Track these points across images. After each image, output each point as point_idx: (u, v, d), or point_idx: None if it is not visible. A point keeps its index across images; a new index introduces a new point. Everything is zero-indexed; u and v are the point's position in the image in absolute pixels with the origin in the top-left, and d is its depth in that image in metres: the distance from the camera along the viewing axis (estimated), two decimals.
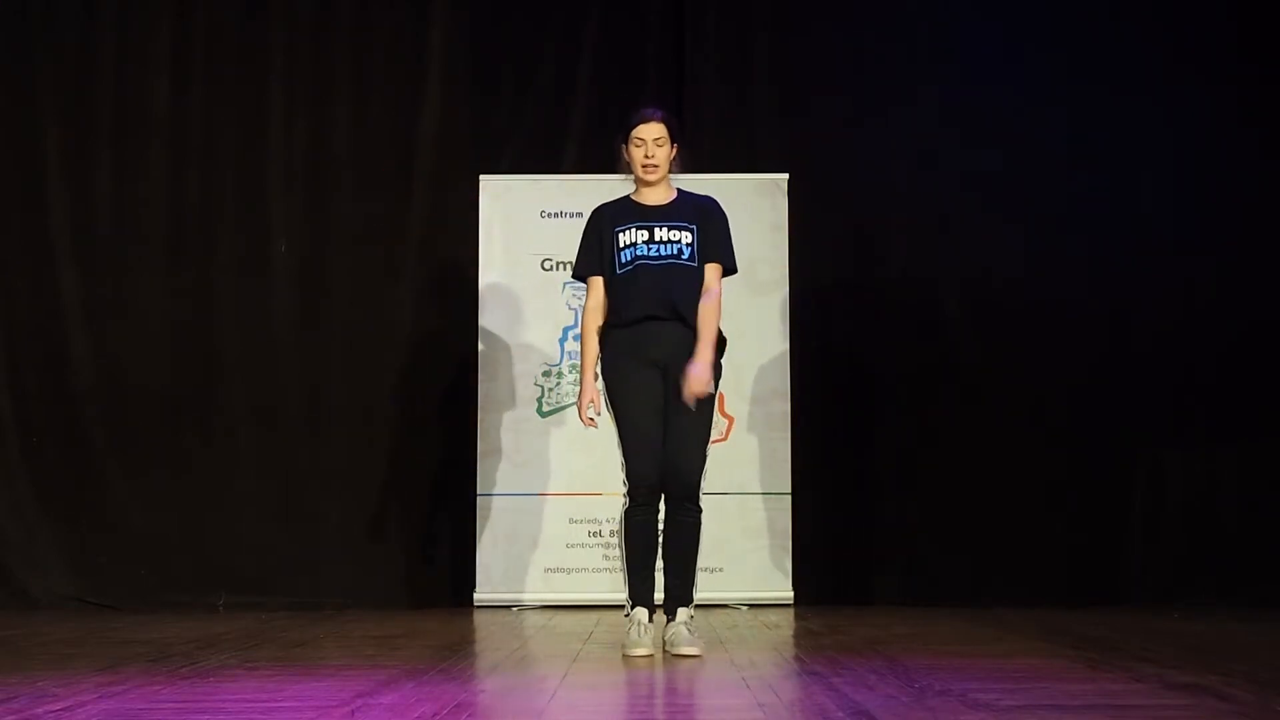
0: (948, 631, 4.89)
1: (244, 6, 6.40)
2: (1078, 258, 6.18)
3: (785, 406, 5.94)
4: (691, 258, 4.23)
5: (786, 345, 5.95)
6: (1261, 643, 4.57)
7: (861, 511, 6.14)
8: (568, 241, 5.96)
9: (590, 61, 6.33)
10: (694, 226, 4.26)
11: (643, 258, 4.21)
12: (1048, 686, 3.39)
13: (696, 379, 4.13)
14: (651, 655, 4.04)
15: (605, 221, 4.32)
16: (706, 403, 4.20)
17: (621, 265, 4.24)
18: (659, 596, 4.25)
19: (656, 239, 4.23)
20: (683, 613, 4.20)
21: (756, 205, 5.89)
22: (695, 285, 4.23)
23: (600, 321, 4.29)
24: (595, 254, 4.31)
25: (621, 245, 4.25)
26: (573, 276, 4.47)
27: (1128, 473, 6.10)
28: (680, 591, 4.22)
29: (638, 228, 4.25)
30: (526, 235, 6.01)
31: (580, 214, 5.86)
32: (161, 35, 6.36)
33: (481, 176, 6.05)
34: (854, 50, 6.27)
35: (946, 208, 6.23)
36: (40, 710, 3.08)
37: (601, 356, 4.29)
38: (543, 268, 6.01)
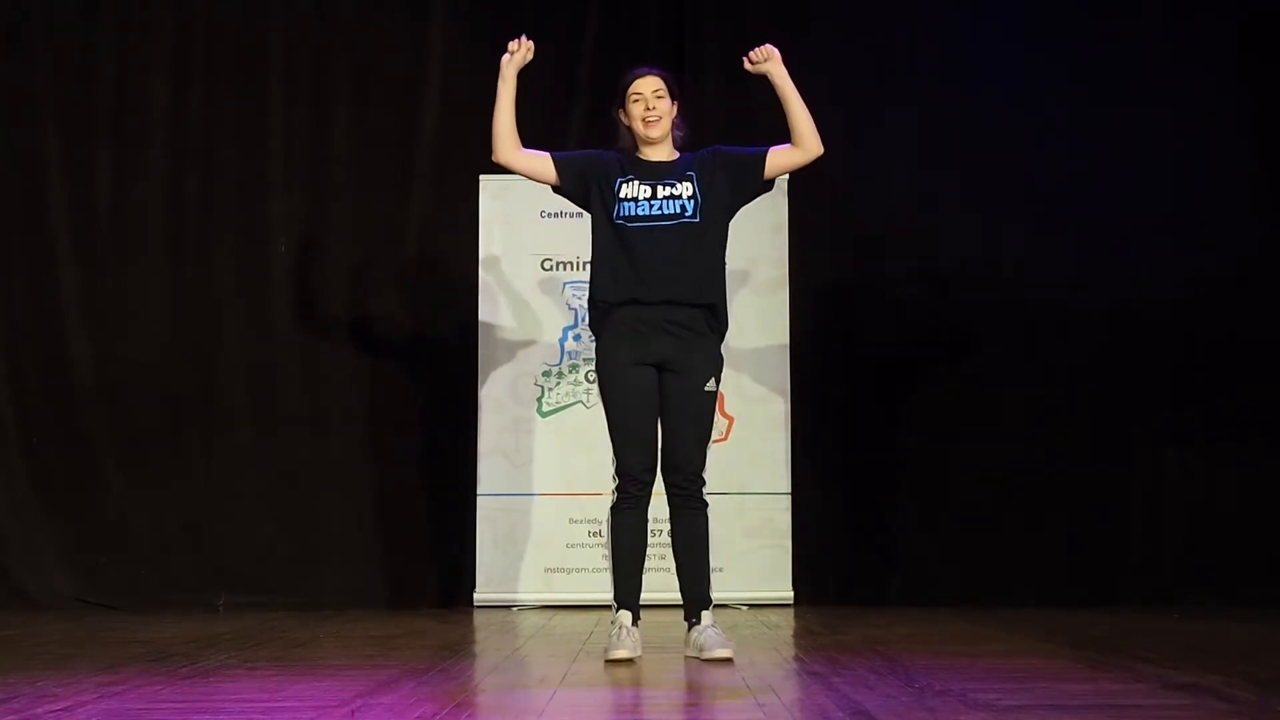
0: (948, 631, 4.89)
1: (244, 6, 6.40)
2: (1078, 257, 6.19)
3: (785, 406, 5.94)
4: (695, 214, 4.06)
5: (786, 345, 5.95)
6: (1261, 643, 4.56)
7: (861, 511, 6.14)
8: (568, 241, 5.99)
9: (590, 61, 6.33)
10: (692, 175, 4.11)
11: (644, 218, 4.05)
12: (1048, 686, 3.39)
13: (771, 54, 4.07)
14: (633, 659, 3.95)
15: (611, 162, 4.15)
16: (706, 399, 4.10)
17: (620, 217, 4.07)
18: (658, 598, 4.18)
19: (659, 196, 4.07)
20: (706, 616, 4.08)
21: (756, 205, 5.85)
22: (703, 248, 4.07)
23: (515, 138, 4.15)
24: (577, 160, 4.18)
25: (622, 196, 4.09)
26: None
27: (1128, 473, 6.10)
28: (697, 594, 4.11)
29: (641, 182, 4.09)
30: (526, 235, 6.01)
31: (580, 214, 5.84)
32: (161, 35, 6.36)
33: (481, 176, 6.05)
34: (854, 49, 6.27)
35: (946, 207, 6.23)
36: (40, 710, 3.08)
37: (597, 345, 4.15)
38: (543, 268, 6.01)
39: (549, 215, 5.99)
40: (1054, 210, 6.19)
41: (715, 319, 4.13)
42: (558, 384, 5.97)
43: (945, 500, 6.11)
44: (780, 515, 5.89)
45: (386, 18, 6.42)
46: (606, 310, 4.11)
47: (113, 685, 3.48)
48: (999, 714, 2.94)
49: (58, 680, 3.57)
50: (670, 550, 4.24)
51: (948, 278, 6.19)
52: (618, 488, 4.13)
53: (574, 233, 5.99)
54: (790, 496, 5.92)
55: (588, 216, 5.77)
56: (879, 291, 6.25)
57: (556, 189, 4.25)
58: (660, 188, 4.10)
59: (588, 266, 5.89)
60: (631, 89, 4.17)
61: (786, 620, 5.38)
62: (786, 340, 5.95)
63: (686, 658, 4.04)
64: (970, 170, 6.22)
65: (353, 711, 3.06)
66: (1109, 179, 6.20)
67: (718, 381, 4.14)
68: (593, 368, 5.87)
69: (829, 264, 6.22)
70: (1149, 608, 5.69)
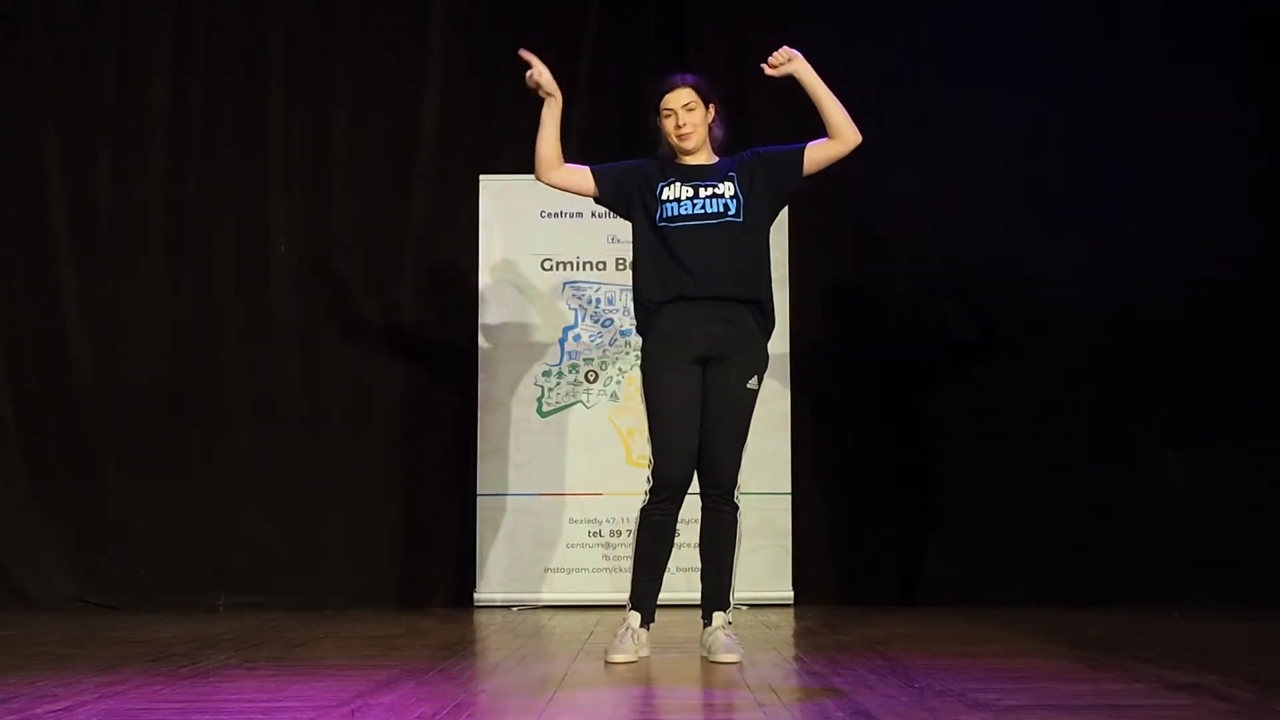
0: (948, 631, 4.89)
1: (244, 6, 6.40)
2: (1078, 257, 6.19)
3: (785, 406, 5.94)
4: (738, 212, 4.05)
5: (787, 346, 5.94)
6: (1261, 643, 4.57)
7: (861, 511, 6.13)
8: (568, 241, 6.00)
9: (590, 61, 6.32)
10: (733, 176, 4.10)
11: (687, 217, 4.04)
12: (1048, 686, 3.40)
13: (793, 55, 4.08)
14: (634, 662, 3.94)
15: (651, 170, 4.15)
16: (747, 396, 4.07)
17: (663, 218, 4.06)
18: (671, 598, 4.15)
19: (701, 195, 4.07)
20: (719, 617, 4.08)
21: None
22: (747, 246, 4.06)
23: (557, 159, 4.13)
24: (616, 170, 4.17)
25: (664, 198, 4.08)
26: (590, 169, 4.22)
27: (1128, 473, 6.10)
28: (716, 595, 4.11)
29: (683, 184, 4.09)
30: (526, 235, 6.01)
31: (580, 214, 5.90)
32: (161, 35, 6.35)
33: (481, 176, 6.05)
34: (853, 50, 6.26)
35: (946, 208, 6.23)
36: (40, 710, 3.09)
37: (643, 345, 4.13)
38: (543, 268, 6.01)
39: (549, 215, 6.00)
40: (1054, 210, 6.19)
41: (764, 316, 4.13)
42: (558, 384, 5.97)
43: (946, 500, 6.11)
44: (780, 515, 5.89)
45: (386, 18, 6.42)
46: (654, 309, 4.09)
47: (113, 685, 3.48)
48: (999, 714, 2.95)
49: (58, 680, 3.57)
50: (676, 550, 4.23)
51: (947, 278, 6.19)
52: (651, 489, 4.07)
53: (574, 233, 6.01)
54: (790, 496, 5.92)
55: (587, 217, 5.78)
56: (879, 291, 6.25)
57: (598, 200, 4.24)
58: (702, 188, 4.10)
59: (588, 266, 5.99)
60: (663, 103, 4.15)
61: (786, 620, 5.38)
62: (786, 340, 5.95)
63: (701, 658, 4.04)
64: (970, 170, 6.22)
65: (353, 711, 3.06)
66: (1109, 179, 6.20)
67: (760, 381, 4.11)
68: (593, 367, 5.96)
69: (829, 264, 6.22)
70: (1149, 608, 5.69)
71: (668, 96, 4.14)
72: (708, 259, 4.03)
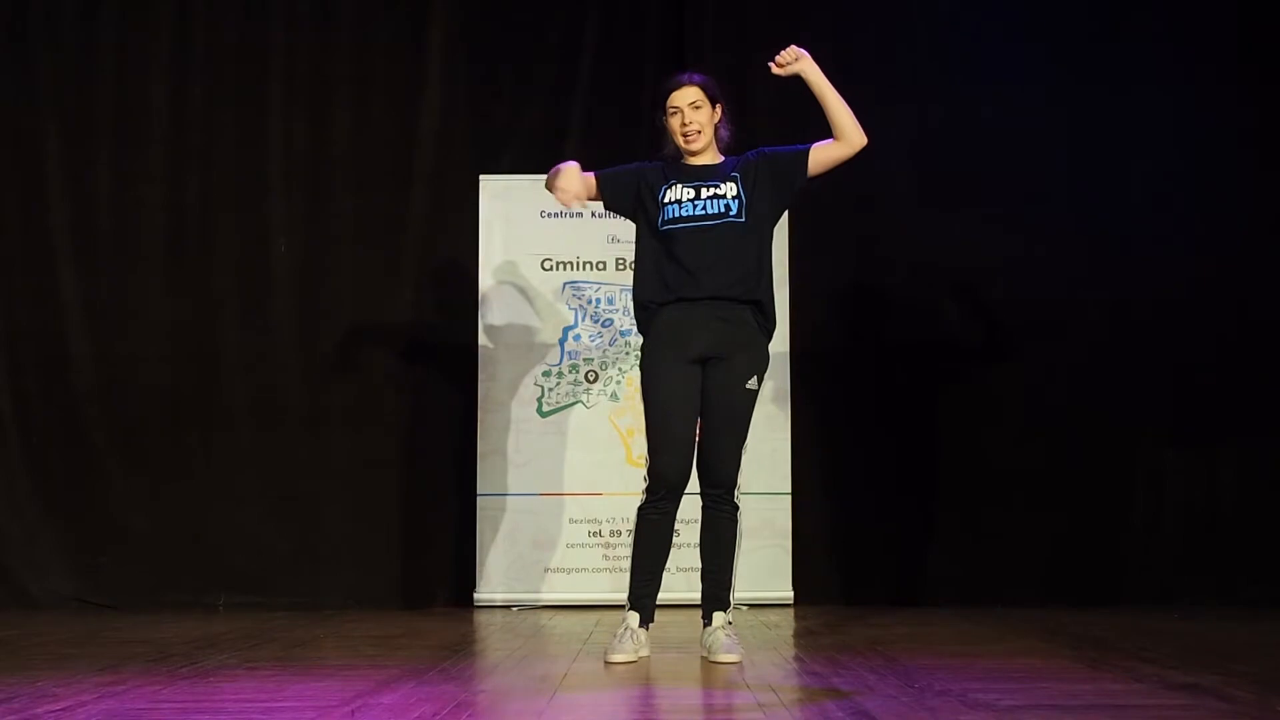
0: (948, 631, 4.89)
1: (244, 6, 6.40)
2: (1077, 257, 6.18)
3: (785, 407, 5.94)
4: (740, 213, 4.04)
5: (787, 346, 5.94)
6: (1261, 643, 4.57)
7: (861, 511, 6.14)
8: (568, 241, 6.00)
9: (590, 61, 6.32)
10: (736, 176, 4.09)
11: (688, 218, 4.04)
12: (1048, 686, 3.40)
13: (800, 55, 4.06)
14: (634, 662, 3.95)
15: (654, 171, 4.16)
16: (746, 397, 4.07)
17: (665, 222, 4.06)
18: (671, 598, 4.15)
19: (703, 196, 4.06)
20: (719, 617, 4.08)
21: None
22: (748, 246, 4.05)
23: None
24: (622, 175, 4.17)
25: (666, 201, 4.08)
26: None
27: (1128, 472, 6.10)
28: (716, 595, 4.11)
29: (685, 185, 4.09)
30: (526, 235, 6.01)
31: (580, 214, 5.88)
32: (161, 35, 6.35)
33: (481, 176, 6.05)
34: (853, 50, 6.25)
35: (947, 208, 6.22)
36: (40, 710, 3.09)
37: (643, 344, 4.14)
38: (543, 268, 6.01)
39: (549, 215, 5.99)
40: (1053, 210, 6.19)
41: (764, 316, 4.12)
42: (558, 384, 5.97)
43: (945, 500, 6.11)
44: (780, 515, 5.89)
45: (386, 17, 6.41)
46: (654, 310, 4.10)
47: (113, 685, 3.49)
48: (999, 714, 2.95)
49: (58, 680, 3.58)
50: (676, 550, 4.23)
51: (947, 278, 6.19)
52: (648, 489, 4.07)
53: (574, 233, 6.01)
54: (790, 496, 5.92)
55: (587, 216, 5.80)
56: (879, 292, 6.25)
57: (605, 206, 4.25)
58: (704, 189, 4.09)
59: (588, 266, 5.99)
60: (669, 101, 4.14)
61: (786, 620, 5.38)
62: (787, 340, 5.95)
63: (701, 658, 4.04)
64: (970, 170, 6.21)
65: (353, 711, 3.06)
66: (1109, 178, 6.20)
67: (760, 381, 4.11)
68: (593, 367, 5.97)
69: (829, 264, 6.22)
70: (1149, 608, 5.69)
71: (674, 94, 4.14)
72: (708, 259, 4.03)
